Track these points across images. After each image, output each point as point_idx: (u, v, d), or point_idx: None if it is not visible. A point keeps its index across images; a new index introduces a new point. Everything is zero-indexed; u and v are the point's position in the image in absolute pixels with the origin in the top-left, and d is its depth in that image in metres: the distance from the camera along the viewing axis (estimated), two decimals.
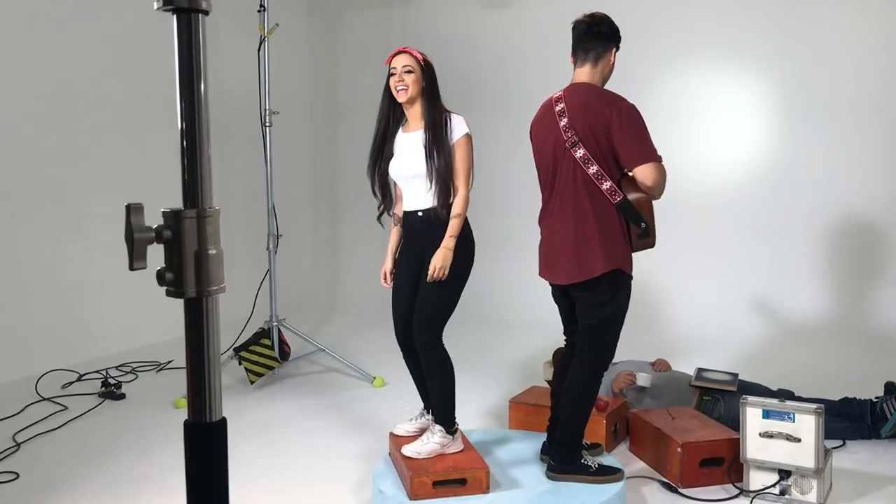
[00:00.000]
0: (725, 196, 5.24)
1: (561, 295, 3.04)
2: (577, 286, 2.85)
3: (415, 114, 3.05)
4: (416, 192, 3.04)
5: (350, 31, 6.62)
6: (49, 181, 4.71)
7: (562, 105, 2.83)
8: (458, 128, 2.98)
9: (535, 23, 5.71)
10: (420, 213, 3.03)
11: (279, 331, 4.56)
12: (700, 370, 3.76)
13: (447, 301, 3.00)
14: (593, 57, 2.86)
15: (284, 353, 4.59)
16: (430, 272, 2.91)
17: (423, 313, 3.01)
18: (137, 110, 5.22)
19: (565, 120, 2.79)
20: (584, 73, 2.87)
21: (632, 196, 2.74)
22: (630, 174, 2.78)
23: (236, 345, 4.37)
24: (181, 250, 0.85)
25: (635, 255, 2.86)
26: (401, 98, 2.99)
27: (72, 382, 4.39)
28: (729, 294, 5.19)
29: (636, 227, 2.76)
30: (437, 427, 3.03)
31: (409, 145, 3.03)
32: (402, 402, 3.95)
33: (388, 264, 3.21)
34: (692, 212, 5.25)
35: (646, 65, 5.26)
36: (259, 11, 4.41)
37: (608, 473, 2.92)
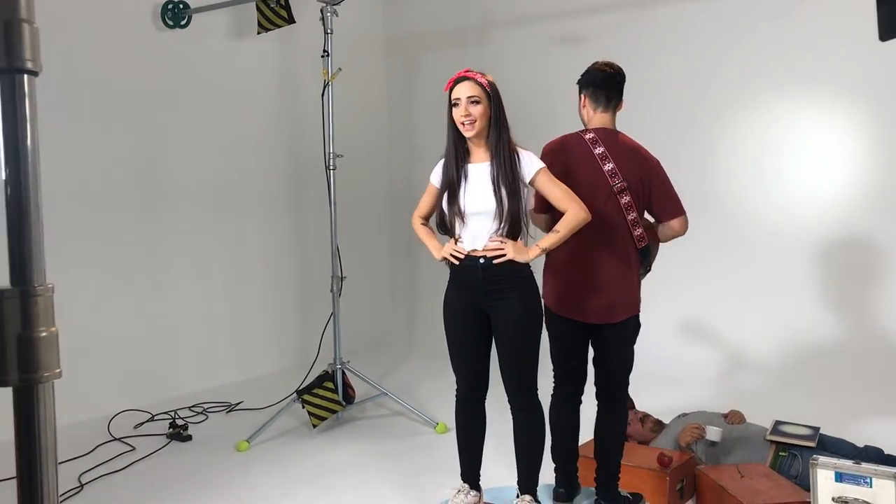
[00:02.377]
0: (814, 235, 4.91)
1: (581, 332, 2.95)
2: (613, 326, 2.90)
3: (481, 144, 2.77)
4: (479, 231, 2.76)
5: (426, 72, 6.64)
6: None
7: (601, 149, 2.85)
8: (531, 162, 2.73)
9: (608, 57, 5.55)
10: (482, 260, 2.74)
11: (343, 374, 4.52)
12: (778, 423, 3.46)
13: (532, 360, 2.83)
14: (614, 105, 2.99)
15: (349, 397, 4.54)
16: (494, 250, 2.71)
17: (514, 379, 2.84)
18: None
19: (610, 165, 2.84)
20: (608, 119, 2.99)
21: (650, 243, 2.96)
22: (651, 221, 3.01)
23: (300, 388, 4.36)
24: (2, 334, 0.77)
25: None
26: (468, 133, 2.70)
27: (143, 423, 4.48)
28: (812, 342, 4.82)
29: (642, 269, 2.97)
30: (528, 497, 2.89)
31: (477, 177, 2.76)
32: None
33: (439, 245, 2.94)
34: (785, 252, 4.94)
35: (727, 96, 5.03)
36: (322, 57, 4.45)
37: (638, 500, 3.10)
